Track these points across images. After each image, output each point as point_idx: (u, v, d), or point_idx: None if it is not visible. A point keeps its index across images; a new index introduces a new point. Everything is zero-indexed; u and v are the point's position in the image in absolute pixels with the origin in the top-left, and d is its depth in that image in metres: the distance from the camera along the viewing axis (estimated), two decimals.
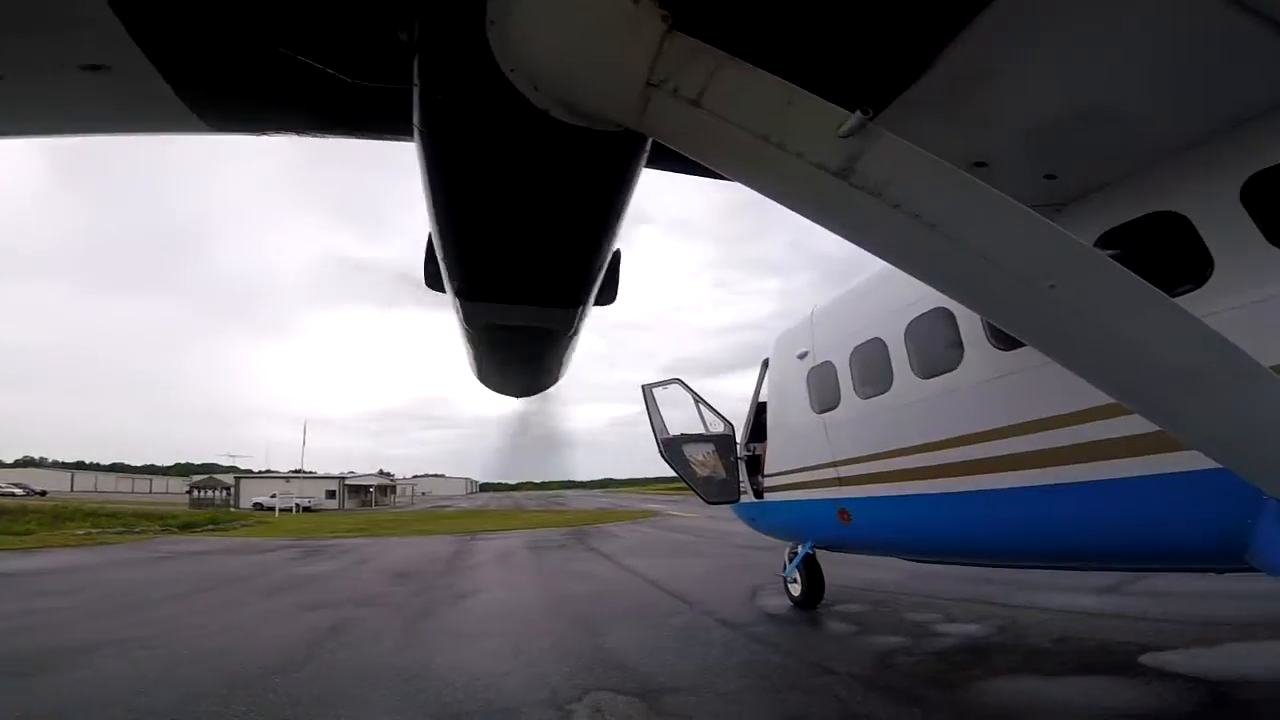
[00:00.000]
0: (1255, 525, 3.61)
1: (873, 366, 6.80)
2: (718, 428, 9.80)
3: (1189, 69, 3.24)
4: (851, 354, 7.15)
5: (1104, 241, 4.40)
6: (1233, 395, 2.63)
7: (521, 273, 3.12)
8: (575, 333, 3.80)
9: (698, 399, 9.98)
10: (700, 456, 9.41)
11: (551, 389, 5.09)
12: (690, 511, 37.72)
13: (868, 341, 6.89)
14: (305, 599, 12.54)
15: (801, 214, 2.53)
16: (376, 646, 8.54)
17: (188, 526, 36.07)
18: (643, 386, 9.86)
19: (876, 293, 6.94)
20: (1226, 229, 3.85)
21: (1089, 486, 4.56)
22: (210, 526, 37.29)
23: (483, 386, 5.15)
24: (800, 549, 9.38)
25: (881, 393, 6.67)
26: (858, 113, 2.22)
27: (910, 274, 2.65)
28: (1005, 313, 2.74)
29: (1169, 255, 4.13)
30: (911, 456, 6.19)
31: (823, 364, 7.69)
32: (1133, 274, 2.45)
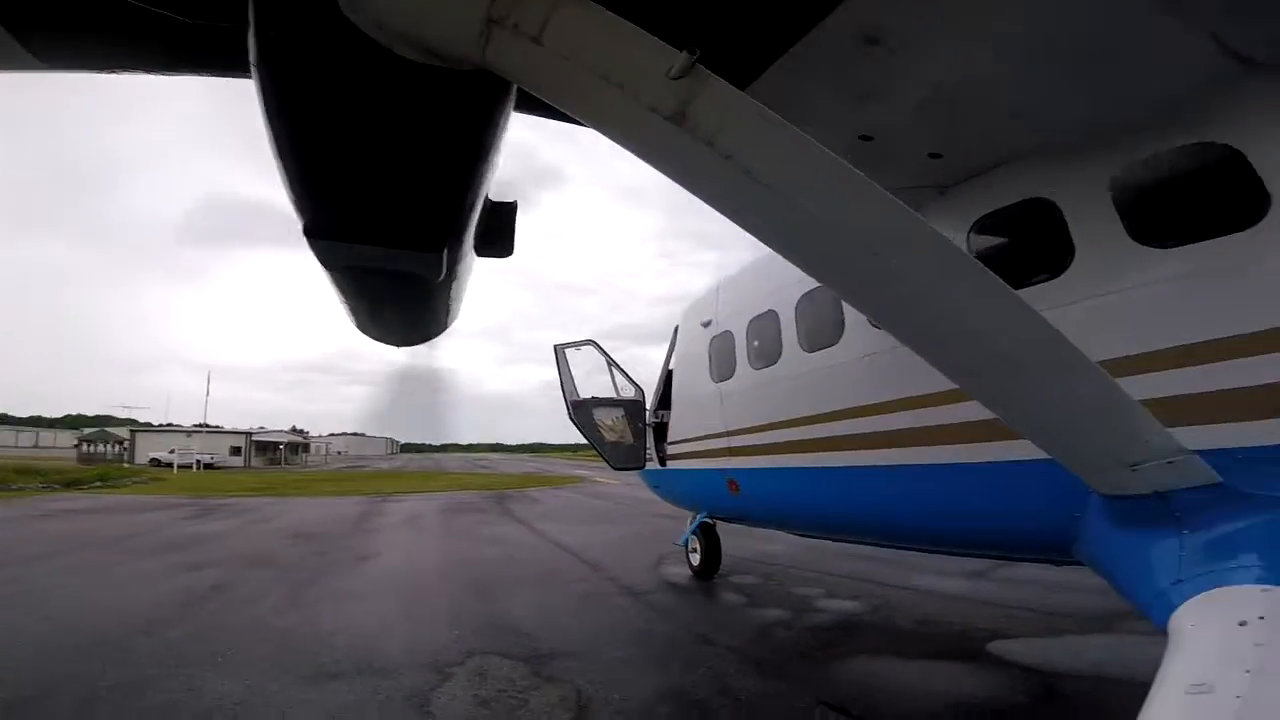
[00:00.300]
0: (1082, 518, 3.73)
1: (765, 338, 6.98)
2: (629, 393, 9.90)
3: (1071, 57, 3.30)
4: (749, 325, 7.32)
5: (983, 224, 4.54)
6: (1058, 386, 2.76)
7: (371, 213, 3.01)
8: (451, 278, 3.71)
9: (610, 362, 10.02)
10: (609, 421, 9.50)
11: (438, 338, 4.99)
12: (616, 479, 38.25)
13: (763, 313, 7.06)
14: (191, 558, 12.20)
15: (646, 161, 2.51)
16: (258, 607, 8.45)
17: (74, 484, 33.97)
18: (555, 346, 9.85)
19: (777, 264, 6.99)
20: (1091, 220, 3.94)
21: (934, 469, 4.79)
22: (99, 483, 35.26)
23: (363, 336, 5.03)
24: (695, 518, 9.70)
25: (770, 364, 6.87)
26: (685, 53, 2.20)
27: (745, 229, 2.65)
28: (833, 277, 2.81)
29: (1039, 242, 4.24)
30: (787, 430, 6.44)
31: (723, 334, 7.85)
32: (962, 251, 2.52)
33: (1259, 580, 2.82)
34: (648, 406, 9.92)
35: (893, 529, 5.82)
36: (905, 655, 6.53)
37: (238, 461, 71.56)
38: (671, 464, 9.28)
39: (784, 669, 6.17)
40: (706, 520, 9.65)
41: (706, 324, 8.26)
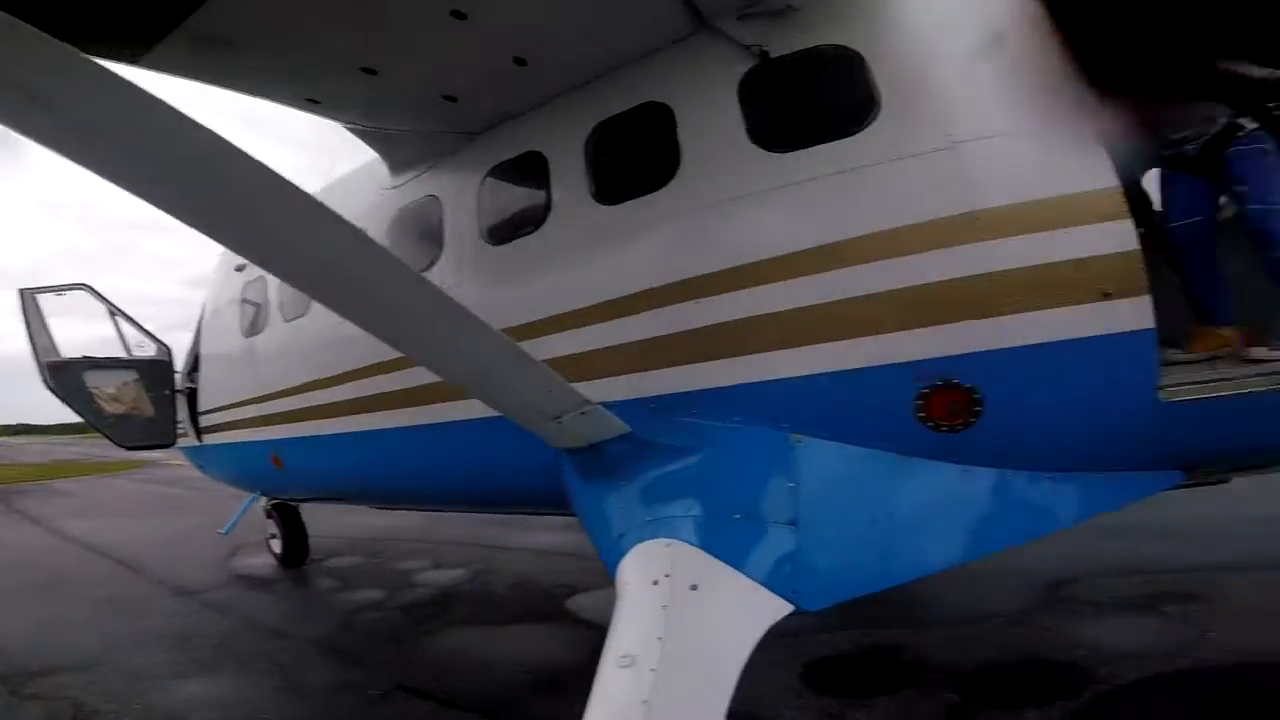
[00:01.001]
0: (561, 470, 3.83)
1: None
2: (148, 352, 8.27)
3: (563, 11, 3.41)
4: None
5: (495, 174, 4.61)
6: (466, 350, 2.85)
7: None
8: None
9: (115, 311, 8.24)
10: (113, 389, 7.77)
11: None
12: None
13: None
14: None
15: None
16: None
17: None
18: (20, 291, 7.72)
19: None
20: (567, 177, 4.14)
21: (443, 428, 4.73)
22: None
23: None
24: (246, 500, 8.80)
25: (301, 315, 6.16)
26: None
27: (83, 166, 2.29)
28: (192, 216, 2.56)
29: (531, 196, 4.41)
30: (318, 392, 5.92)
31: (258, 279, 6.86)
32: (312, 197, 2.37)
33: (668, 534, 2.97)
34: (178, 368, 8.40)
35: (426, 493, 5.77)
36: (495, 622, 6.74)
37: None
38: (209, 438, 7.95)
39: (367, 655, 5.99)
40: (281, 501, 8.85)
41: (241, 268, 7.16)
